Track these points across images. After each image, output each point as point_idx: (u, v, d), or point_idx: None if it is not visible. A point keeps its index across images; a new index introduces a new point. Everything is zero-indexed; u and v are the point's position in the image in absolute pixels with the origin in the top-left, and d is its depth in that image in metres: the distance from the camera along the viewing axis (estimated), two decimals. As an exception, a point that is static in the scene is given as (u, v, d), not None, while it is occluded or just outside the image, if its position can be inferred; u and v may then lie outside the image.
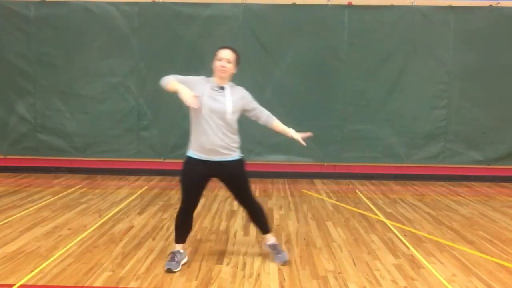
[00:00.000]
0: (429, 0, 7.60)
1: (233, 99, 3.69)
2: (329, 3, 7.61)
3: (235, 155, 3.79)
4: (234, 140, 3.78)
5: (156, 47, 7.66)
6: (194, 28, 7.59)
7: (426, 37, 7.57)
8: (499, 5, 7.57)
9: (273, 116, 3.95)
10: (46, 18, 7.64)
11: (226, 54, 3.69)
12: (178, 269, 3.69)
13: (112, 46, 7.65)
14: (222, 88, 3.69)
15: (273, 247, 3.96)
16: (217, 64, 3.68)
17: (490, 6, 7.59)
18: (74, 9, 7.62)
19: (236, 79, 7.66)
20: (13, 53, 7.70)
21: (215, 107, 3.60)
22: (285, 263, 3.83)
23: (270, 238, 4.01)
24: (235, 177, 3.81)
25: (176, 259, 3.74)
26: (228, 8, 7.60)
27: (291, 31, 7.59)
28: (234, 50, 3.75)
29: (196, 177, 3.71)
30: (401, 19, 7.56)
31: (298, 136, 3.88)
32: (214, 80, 3.73)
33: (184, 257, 3.86)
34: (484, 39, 7.52)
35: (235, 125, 3.77)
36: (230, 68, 3.71)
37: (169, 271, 3.66)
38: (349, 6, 7.63)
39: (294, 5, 7.65)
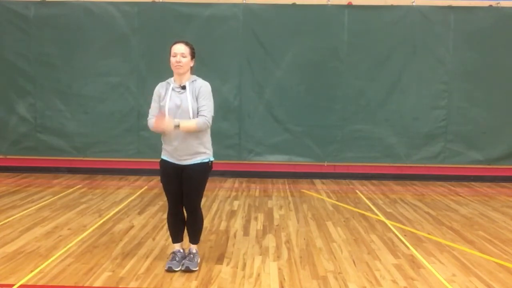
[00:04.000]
0: (429, 0, 7.60)
1: (193, 96, 3.57)
2: (329, 3, 7.60)
3: (201, 157, 3.66)
4: (201, 142, 3.63)
5: (156, 47, 7.65)
6: (194, 28, 7.58)
7: (426, 37, 7.57)
8: (499, 5, 7.57)
9: (198, 118, 3.54)
10: (46, 18, 7.64)
11: (179, 49, 3.60)
12: (178, 268, 3.69)
13: (112, 46, 7.65)
14: (183, 87, 3.59)
15: (190, 253, 3.82)
16: (172, 60, 3.61)
17: (490, 6, 7.59)
18: (74, 9, 7.62)
19: (237, 79, 7.71)
20: (13, 53, 7.70)
21: (176, 108, 3.54)
22: (187, 269, 3.66)
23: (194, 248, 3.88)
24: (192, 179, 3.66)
25: (177, 259, 3.74)
26: (228, 8, 7.60)
27: (291, 31, 7.59)
28: (187, 43, 3.65)
29: (169, 177, 3.73)
30: (401, 19, 7.56)
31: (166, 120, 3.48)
32: (174, 79, 3.67)
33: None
34: (484, 39, 7.52)
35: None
36: (186, 62, 3.59)
37: (170, 269, 3.66)
38: (349, 6, 7.62)
39: (294, 5, 7.65)
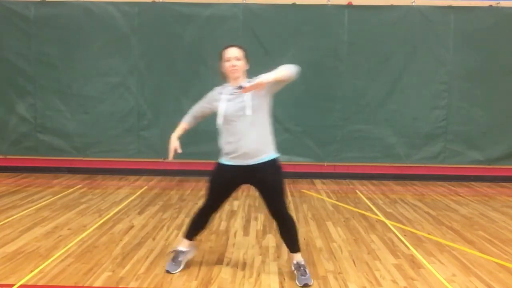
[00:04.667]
0: (429, 0, 7.60)
1: (252, 94, 3.43)
2: (329, 3, 7.61)
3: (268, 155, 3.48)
4: (259, 139, 3.46)
5: (156, 47, 7.66)
6: (194, 28, 7.59)
7: (426, 37, 7.57)
8: (499, 5, 7.57)
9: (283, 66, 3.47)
10: (46, 18, 7.64)
11: (233, 53, 3.53)
12: (178, 270, 3.67)
13: (112, 46, 7.65)
14: (240, 87, 3.46)
15: (298, 266, 3.57)
16: (226, 65, 3.52)
17: (490, 6, 7.59)
18: (74, 9, 7.62)
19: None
20: (13, 53, 7.70)
21: (236, 108, 3.43)
22: (305, 285, 3.43)
23: (298, 257, 3.65)
24: (266, 180, 3.47)
25: (179, 258, 3.71)
26: (228, 8, 7.60)
27: (291, 31, 7.59)
28: (239, 47, 3.59)
29: (224, 181, 3.57)
30: (401, 19, 7.56)
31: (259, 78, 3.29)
32: (229, 84, 3.58)
33: (191, 253, 3.81)
34: (484, 39, 7.52)
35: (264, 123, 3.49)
36: (241, 65, 3.52)
37: (169, 272, 3.65)
38: (349, 6, 7.63)
39: (294, 5, 7.65)
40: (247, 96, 3.41)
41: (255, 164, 3.43)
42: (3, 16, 7.66)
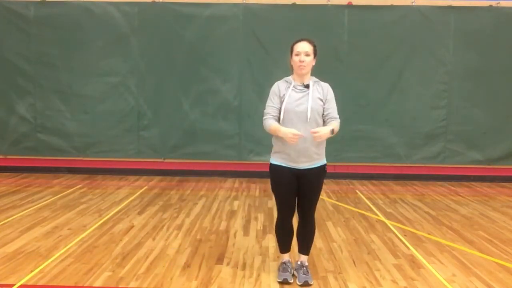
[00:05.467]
0: (429, 0, 7.60)
1: (315, 97, 3.38)
2: (329, 3, 7.60)
3: (320, 161, 3.50)
4: (319, 144, 3.40)
5: (156, 47, 7.66)
6: (194, 28, 7.59)
7: (426, 37, 7.57)
8: (499, 5, 7.57)
9: (335, 120, 3.40)
10: (46, 18, 7.64)
11: (303, 47, 3.43)
12: (292, 280, 3.52)
13: (112, 46, 7.65)
14: (306, 86, 3.40)
15: (301, 266, 3.62)
16: (295, 59, 3.41)
17: (490, 6, 7.59)
18: (74, 9, 7.62)
19: (237, 79, 7.68)
20: (13, 53, 7.70)
21: (299, 109, 3.34)
22: (305, 284, 3.48)
23: (304, 258, 3.70)
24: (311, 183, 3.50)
25: (289, 270, 3.58)
26: (228, 8, 7.60)
27: (291, 31, 7.55)
28: (310, 41, 3.48)
29: (288, 185, 3.50)
30: (401, 19, 7.56)
31: (320, 129, 3.25)
32: (294, 78, 3.47)
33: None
34: (484, 39, 7.52)
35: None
36: (309, 61, 3.42)
37: (285, 282, 3.50)
38: (349, 6, 7.62)
39: (294, 5, 7.65)
40: (311, 98, 3.38)
41: (306, 169, 3.51)
42: (3, 16, 7.66)
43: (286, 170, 3.47)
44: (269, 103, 3.50)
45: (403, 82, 7.65)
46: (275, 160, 3.57)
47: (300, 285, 3.48)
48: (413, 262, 4.00)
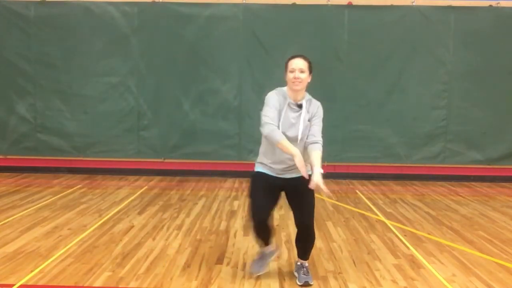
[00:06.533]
0: (429, 0, 7.60)
1: (306, 117, 3.40)
2: (329, 3, 7.61)
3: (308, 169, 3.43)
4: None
5: (156, 47, 7.67)
6: (194, 28, 7.59)
7: (426, 37, 7.57)
8: (499, 5, 7.57)
9: (318, 146, 3.37)
10: (46, 18, 7.64)
11: (297, 64, 3.36)
12: (264, 271, 3.61)
13: (112, 46, 7.66)
14: (299, 106, 3.40)
15: (301, 267, 3.61)
16: (290, 76, 3.37)
17: (490, 6, 7.59)
18: (74, 9, 7.62)
19: (237, 79, 7.67)
20: (13, 53, 7.70)
21: (288, 127, 3.36)
22: (306, 284, 3.47)
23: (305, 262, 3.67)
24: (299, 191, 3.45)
25: (267, 259, 3.64)
26: (228, 8, 7.60)
27: (291, 31, 7.58)
28: (305, 58, 3.43)
29: (268, 191, 3.46)
30: (401, 19, 7.57)
31: (316, 179, 3.24)
32: (289, 94, 3.43)
33: (275, 253, 3.74)
34: (484, 39, 7.53)
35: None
36: (305, 78, 3.37)
37: (256, 272, 3.58)
38: (349, 6, 7.63)
39: (294, 5, 7.65)
40: (303, 118, 3.38)
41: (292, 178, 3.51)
42: (3, 16, 7.66)
43: (271, 177, 3.48)
44: (270, 110, 3.39)
45: (403, 82, 7.65)
46: (261, 168, 3.54)
47: (301, 285, 3.48)
48: (413, 262, 4.00)
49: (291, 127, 3.39)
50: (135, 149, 7.82)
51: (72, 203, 5.90)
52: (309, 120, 3.43)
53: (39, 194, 6.35)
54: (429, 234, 4.84)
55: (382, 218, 5.44)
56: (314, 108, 3.46)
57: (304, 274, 3.53)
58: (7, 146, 7.84)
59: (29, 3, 7.63)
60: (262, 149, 3.62)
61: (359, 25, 7.57)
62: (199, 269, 3.76)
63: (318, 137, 3.41)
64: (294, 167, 3.37)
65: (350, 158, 7.79)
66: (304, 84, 3.40)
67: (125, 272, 3.68)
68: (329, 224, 5.15)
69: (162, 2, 7.66)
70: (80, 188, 6.78)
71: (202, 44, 7.57)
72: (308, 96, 3.51)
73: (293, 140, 3.35)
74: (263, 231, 3.51)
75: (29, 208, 5.57)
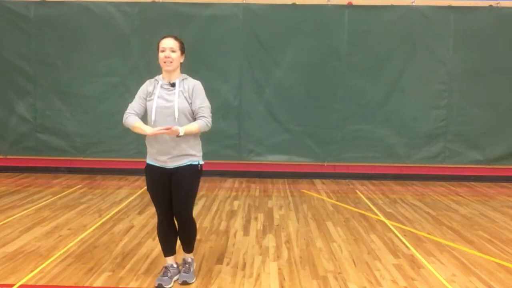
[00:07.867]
0: (429, 0, 7.60)
1: (182, 95, 3.33)
2: (329, 3, 7.60)
3: (190, 160, 3.40)
4: (188, 144, 3.36)
5: (156, 47, 7.63)
6: (194, 28, 7.58)
7: (426, 37, 7.57)
8: (499, 5, 7.57)
9: (199, 121, 3.36)
10: (46, 18, 7.64)
11: (168, 43, 3.36)
12: (170, 285, 3.40)
13: (112, 46, 7.65)
14: (172, 84, 3.35)
15: (185, 263, 3.58)
16: (161, 56, 3.35)
17: (490, 6, 7.59)
18: (74, 9, 7.62)
19: (237, 79, 7.66)
20: (13, 53, 7.70)
21: (164, 108, 3.30)
22: (184, 283, 3.42)
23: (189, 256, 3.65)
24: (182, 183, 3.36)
25: (169, 274, 3.45)
26: (228, 8, 7.60)
27: (291, 31, 7.58)
28: (176, 37, 3.43)
29: (158, 183, 3.41)
30: (401, 19, 7.56)
31: (166, 127, 3.18)
32: (163, 76, 3.42)
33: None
34: (484, 39, 7.52)
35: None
36: (176, 57, 3.35)
37: (160, 286, 3.36)
38: (349, 6, 7.62)
39: (294, 5, 7.65)
40: (177, 96, 3.33)
41: (175, 168, 3.37)
42: (3, 16, 7.65)
43: (158, 169, 3.39)
44: (135, 100, 3.49)
45: (403, 82, 7.65)
46: (149, 159, 3.48)
47: (180, 284, 3.42)
48: (413, 262, 4.00)
49: (168, 105, 3.31)
50: (135, 149, 7.81)
51: (72, 203, 5.90)
52: (189, 98, 3.35)
53: (39, 194, 6.35)
54: (429, 234, 4.84)
55: (382, 218, 5.44)
56: (190, 86, 3.38)
57: (185, 272, 3.49)
58: (7, 146, 7.84)
59: (29, 3, 7.63)
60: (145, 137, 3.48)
61: (359, 25, 7.57)
62: (199, 269, 3.76)
63: (203, 113, 3.36)
64: (175, 155, 3.31)
65: (350, 158, 7.79)
66: (176, 64, 3.37)
67: (125, 272, 3.69)
68: (329, 224, 5.15)
69: (162, 2, 7.66)
70: (80, 188, 6.78)
71: (202, 44, 7.56)
72: (184, 76, 3.46)
73: (171, 115, 3.28)
74: (164, 231, 3.48)
75: (29, 208, 5.57)
